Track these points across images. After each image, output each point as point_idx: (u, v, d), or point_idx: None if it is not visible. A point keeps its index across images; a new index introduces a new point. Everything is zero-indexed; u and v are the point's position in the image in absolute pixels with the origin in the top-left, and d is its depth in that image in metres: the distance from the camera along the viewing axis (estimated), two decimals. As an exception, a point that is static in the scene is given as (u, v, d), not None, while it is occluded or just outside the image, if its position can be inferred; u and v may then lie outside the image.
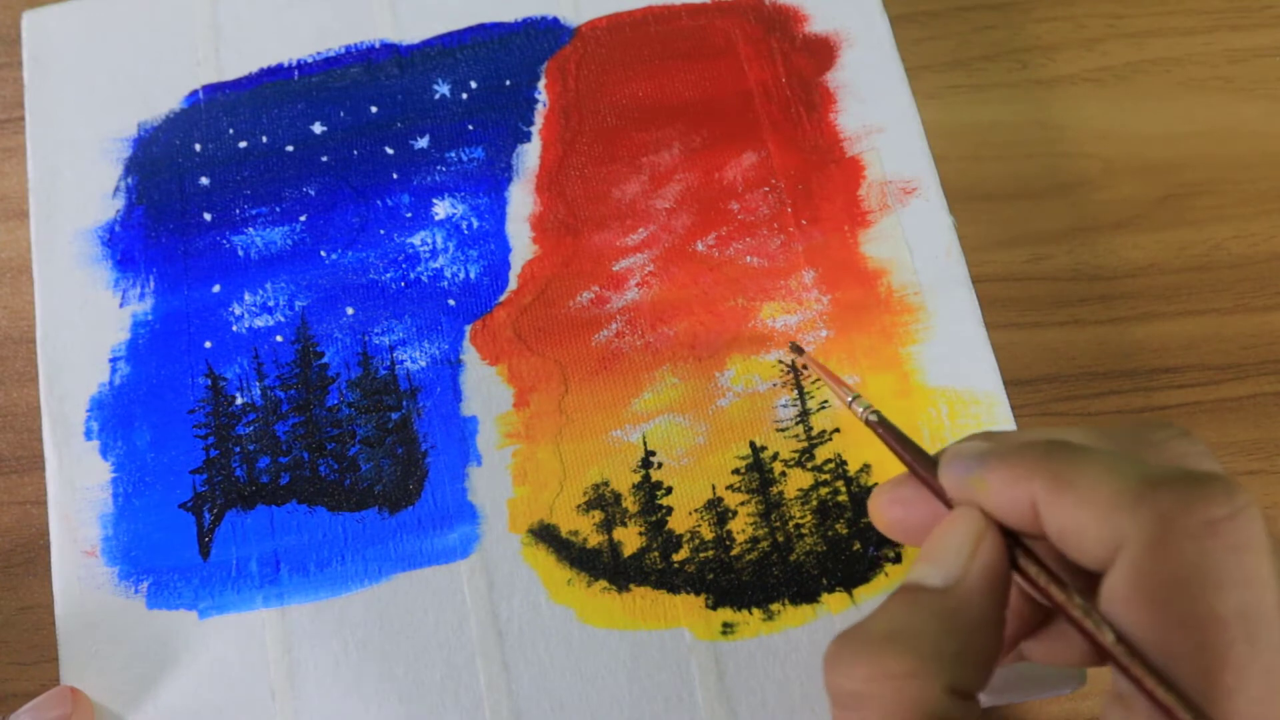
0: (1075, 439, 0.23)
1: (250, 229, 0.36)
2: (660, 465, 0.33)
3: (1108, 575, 0.19)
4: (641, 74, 0.38)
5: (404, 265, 0.35)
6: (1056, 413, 0.39)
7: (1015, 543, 0.22)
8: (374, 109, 0.37)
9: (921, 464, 0.25)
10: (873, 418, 0.27)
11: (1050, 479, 0.20)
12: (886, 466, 0.33)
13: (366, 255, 0.36)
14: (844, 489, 0.32)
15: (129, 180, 0.37)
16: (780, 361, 0.34)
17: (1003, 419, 0.33)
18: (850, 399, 0.28)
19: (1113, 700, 0.20)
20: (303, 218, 0.36)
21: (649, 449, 0.33)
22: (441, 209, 0.36)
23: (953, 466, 0.23)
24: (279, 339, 0.35)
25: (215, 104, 0.38)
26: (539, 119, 0.37)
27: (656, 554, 0.32)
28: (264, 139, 0.37)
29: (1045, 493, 0.20)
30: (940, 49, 0.44)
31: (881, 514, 0.25)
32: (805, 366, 0.33)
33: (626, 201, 0.36)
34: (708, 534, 0.32)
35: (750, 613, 0.31)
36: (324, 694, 0.31)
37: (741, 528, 0.32)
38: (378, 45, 0.38)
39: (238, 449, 0.34)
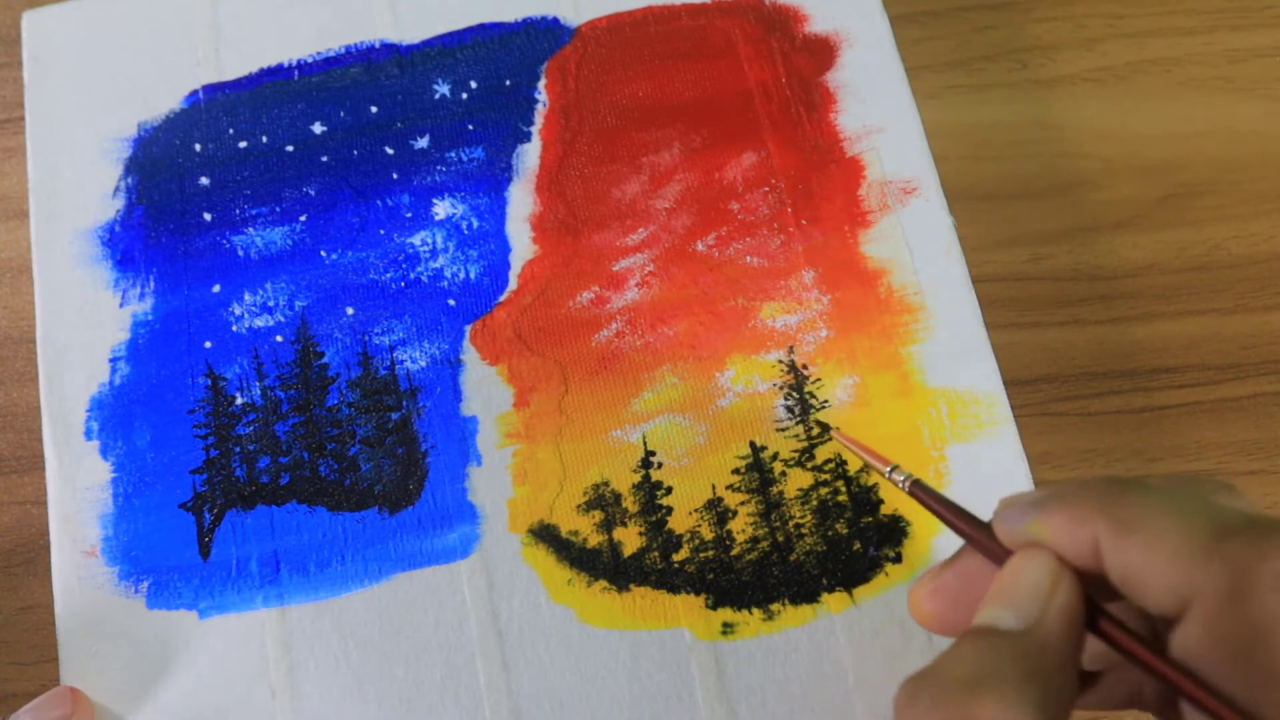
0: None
1: (250, 229, 0.36)
2: (660, 465, 0.33)
3: (1181, 625, 0.19)
4: (641, 74, 0.38)
5: (404, 265, 0.35)
6: (1056, 413, 0.39)
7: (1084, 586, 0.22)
8: (374, 109, 0.37)
9: (969, 524, 0.24)
10: (913, 486, 0.27)
11: (1114, 521, 0.20)
12: (886, 466, 0.33)
13: (366, 255, 0.36)
14: (844, 489, 0.32)
15: (129, 180, 0.37)
16: (780, 362, 0.34)
17: (1003, 419, 0.33)
18: (889, 470, 0.28)
19: None
20: (303, 218, 0.36)
21: (649, 449, 0.33)
22: (441, 209, 0.36)
23: (1007, 516, 0.22)
24: (279, 339, 0.35)
25: (215, 104, 0.38)
26: (539, 119, 0.37)
27: (656, 554, 0.32)
28: (264, 139, 0.37)
29: (1109, 536, 0.20)
30: (940, 49, 0.44)
31: (922, 607, 0.24)
32: (835, 440, 0.32)
33: (626, 201, 0.36)
34: (708, 534, 0.32)
35: (750, 613, 0.31)
36: (324, 694, 0.31)
37: (741, 528, 0.32)
38: (378, 45, 0.38)
39: (238, 449, 0.34)
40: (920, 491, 0.26)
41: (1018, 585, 0.21)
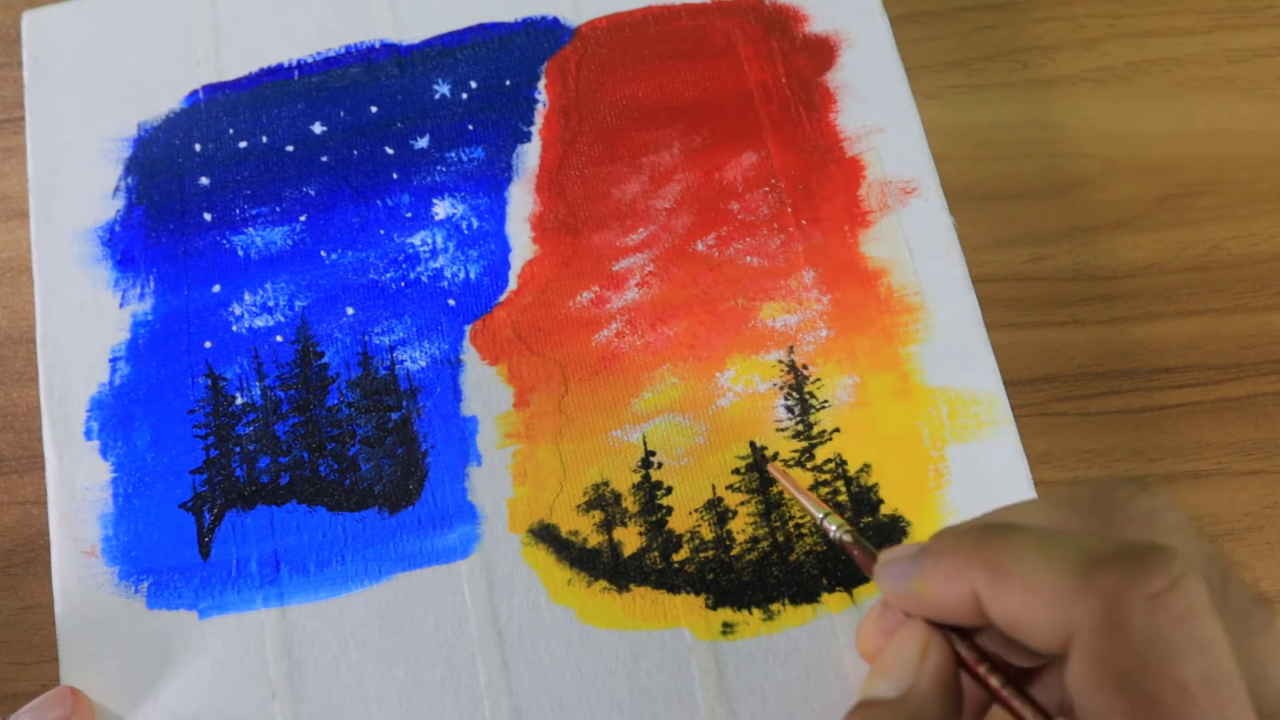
0: (1030, 510, 0.23)
1: (250, 229, 0.36)
2: (660, 465, 0.33)
3: (1068, 662, 0.19)
4: (641, 74, 0.38)
5: (404, 265, 0.35)
6: (1056, 413, 0.39)
7: (960, 637, 0.23)
8: (374, 109, 0.37)
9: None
10: (846, 538, 0.29)
11: (988, 571, 0.20)
12: (886, 467, 0.33)
13: (366, 255, 0.36)
14: (844, 489, 0.32)
15: (129, 180, 0.37)
16: (780, 362, 0.34)
17: (1002, 419, 0.33)
18: (821, 516, 0.30)
19: None
20: (303, 218, 0.36)
21: (649, 449, 0.33)
22: (441, 209, 0.36)
23: (888, 574, 0.23)
24: (279, 339, 0.35)
25: (215, 104, 0.38)
26: (539, 119, 0.37)
27: (656, 554, 0.32)
28: (264, 139, 0.37)
29: (985, 586, 0.20)
30: (940, 49, 0.44)
31: (866, 648, 0.26)
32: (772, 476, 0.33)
33: (626, 201, 0.36)
34: (708, 534, 0.32)
35: (750, 613, 0.31)
36: (324, 694, 0.31)
37: (741, 528, 0.32)
38: (378, 45, 0.38)
39: (238, 449, 0.34)
40: (850, 545, 0.28)
41: (892, 657, 0.23)
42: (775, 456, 0.33)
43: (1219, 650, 0.18)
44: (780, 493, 0.32)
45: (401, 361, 0.34)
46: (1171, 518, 0.21)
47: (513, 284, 0.35)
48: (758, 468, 0.33)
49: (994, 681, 0.22)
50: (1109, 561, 0.19)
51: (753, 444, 0.33)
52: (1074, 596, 0.19)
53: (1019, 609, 0.20)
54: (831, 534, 0.29)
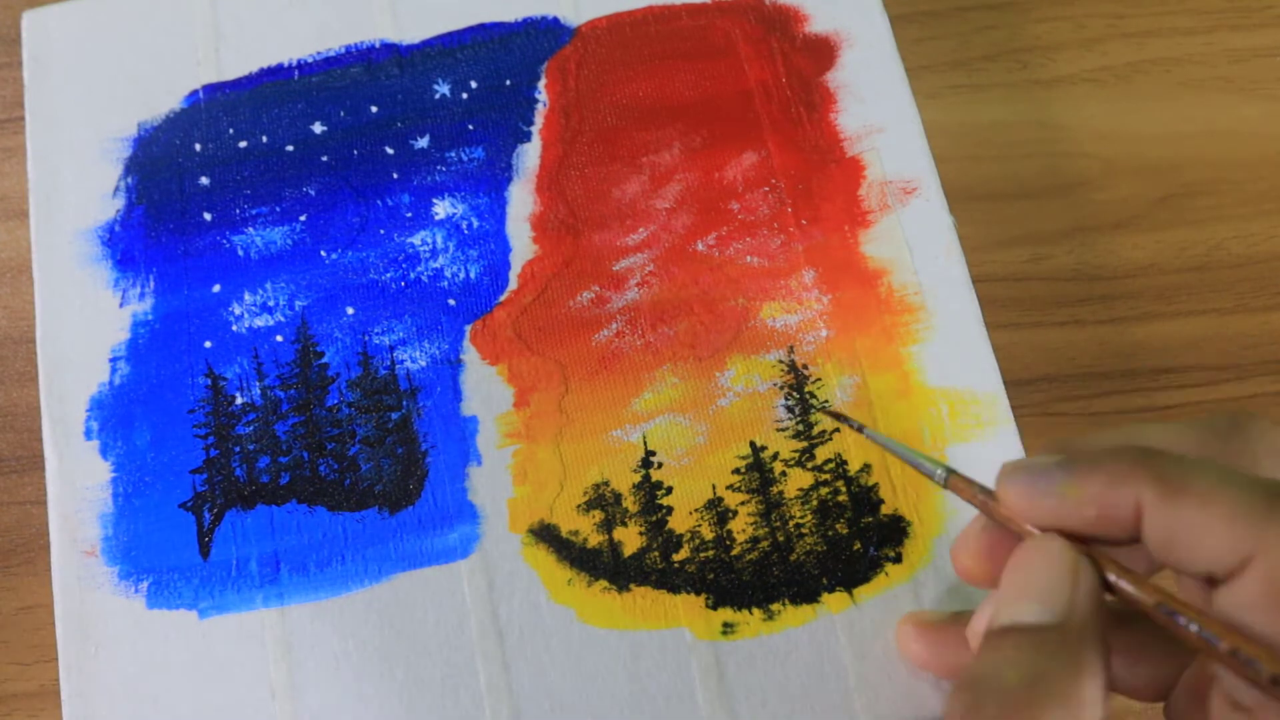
0: (1163, 433, 0.22)
1: (250, 229, 0.36)
2: (660, 465, 0.33)
3: (1234, 582, 0.19)
4: (642, 74, 0.38)
5: (404, 265, 0.35)
6: (1057, 413, 0.39)
7: (1108, 557, 0.21)
8: (374, 109, 0.37)
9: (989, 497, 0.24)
10: (948, 476, 0.26)
11: (1160, 484, 0.20)
12: (887, 467, 0.33)
13: (366, 255, 0.36)
14: (844, 489, 0.32)
15: (129, 180, 0.37)
16: (780, 362, 0.34)
17: (1003, 419, 0.33)
18: (937, 471, 0.27)
19: (1230, 712, 0.20)
20: (303, 218, 0.36)
21: (649, 449, 0.33)
22: (441, 209, 0.36)
23: (1024, 480, 0.22)
24: (279, 339, 0.35)
25: (215, 104, 0.38)
26: (539, 119, 0.37)
27: (657, 554, 0.32)
28: (264, 139, 0.37)
29: (1155, 498, 0.20)
30: (940, 49, 0.44)
31: (970, 562, 0.24)
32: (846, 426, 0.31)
33: (627, 201, 0.36)
34: (708, 534, 0.32)
35: (750, 612, 0.31)
36: (324, 694, 0.31)
37: (742, 527, 0.32)
38: (378, 45, 0.38)
39: (238, 449, 0.34)
40: (958, 482, 0.25)
41: (1039, 576, 0.21)
42: (804, 456, 0.33)
43: None
44: (780, 492, 0.32)
45: (401, 361, 0.34)
46: None
47: (513, 284, 0.35)
48: (840, 420, 0.31)
49: (1150, 591, 0.20)
50: None
51: (826, 406, 0.32)
52: (1260, 520, 0.19)
53: (1193, 525, 0.19)
54: (940, 481, 0.26)
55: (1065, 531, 0.21)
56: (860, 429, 0.29)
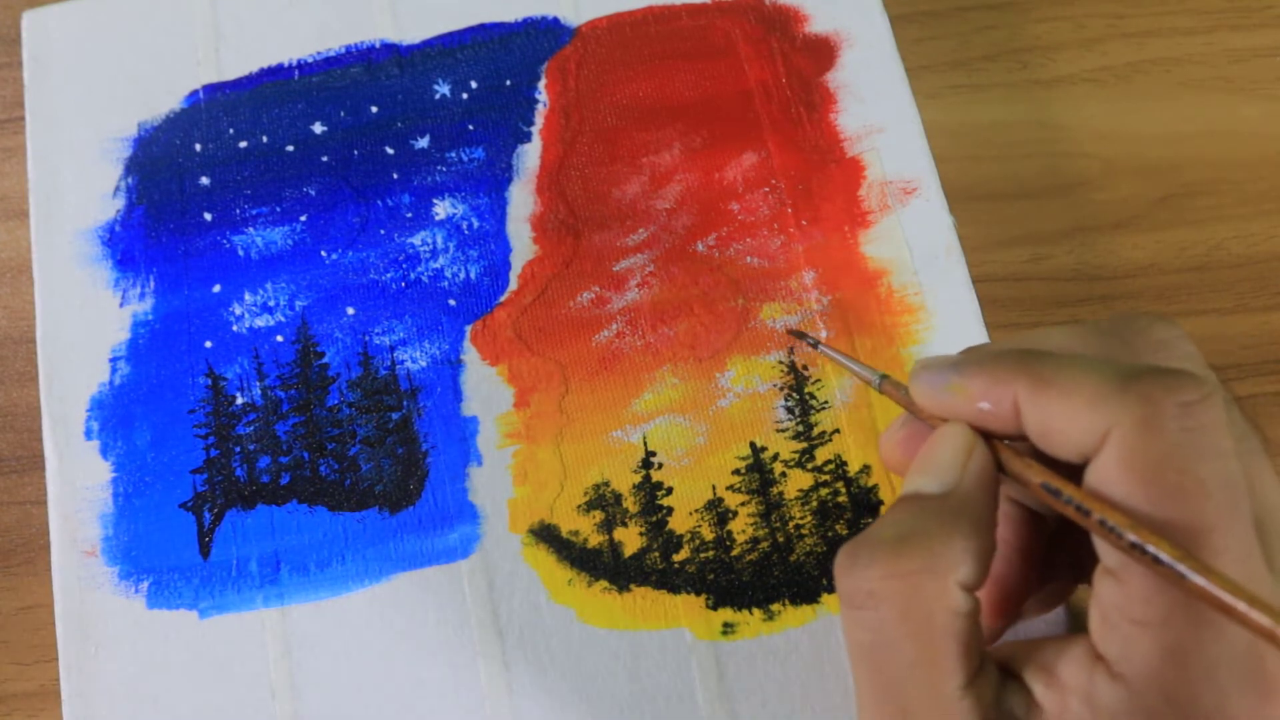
0: (1054, 339, 0.24)
1: (250, 229, 0.36)
2: (660, 465, 0.33)
3: (1096, 458, 0.21)
4: (642, 74, 0.38)
5: (404, 265, 0.35)
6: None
7: (1002, 444, 0.24)
8: (374, 109, 0.37)
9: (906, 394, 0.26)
10: (881, 382, 0.28)
11: (1031, 379, 0.22)
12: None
13: (367, 255, 0.36)
14: (844, 490, 0.32)
15: (129, 180, 0.37)
16: (780, 362, 0.34)
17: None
18: (873, 376, 0.28)
19: (1102, 576, 0.21)
20: (303, 218, 0.36)
21: (649, 449, 0.33)
22: (442, 209, 0.36)
23: (925, 377, 0.24)
24: (279, 339, 0.35)
25: (215, 104, 0.38)
26: (539, 119, 0.37)
27: (657, 554, 0.32)
28: (264, 139, 0.37)
29: (1028, 392, 0.22)
30: (940, 49, 0.44)
31: (890, 456, 0.27)
32: (811, 346, 0.32)
33: (627, 201, 0.36)
34: (708, 534, 0.32)
35: (750, 613, 0.31)
36: (324, 694, 0.31)
37: (742, 528, 0.32)
38: (378, 45, 0.38)
39: (238, 449, 0.34)
40: (888, 386, 0.28)
41: (937, 455, 0.23)
42: (804, 457, 0.33)
43: (1233, 459, 0.20)
44: (780, 493, 0.32)
45: (402, 361, 0.34)
46: (1186, 347, 0.24)
47: (513, 284, 0.35)
48: (800, 337, 0.33)
49: (1038, 468, 0.22)
50: (1147, 374, 0.21)
51: (790, 329, 0.33)
52: (1115, 397, 0.21)
53: (1058, 413, 0.21)
54: (874, 385, 0.28)
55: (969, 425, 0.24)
56: (815, 344, 0.31)
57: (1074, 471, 0.22)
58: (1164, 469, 0.20)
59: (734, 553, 0.32)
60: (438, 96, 0.38)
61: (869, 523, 0.32)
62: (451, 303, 0.35)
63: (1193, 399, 0.20)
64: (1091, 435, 0.21)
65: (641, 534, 0.32)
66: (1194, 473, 0.20)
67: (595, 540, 0.32)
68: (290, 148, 0.37)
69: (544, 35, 0.38)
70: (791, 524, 0.32)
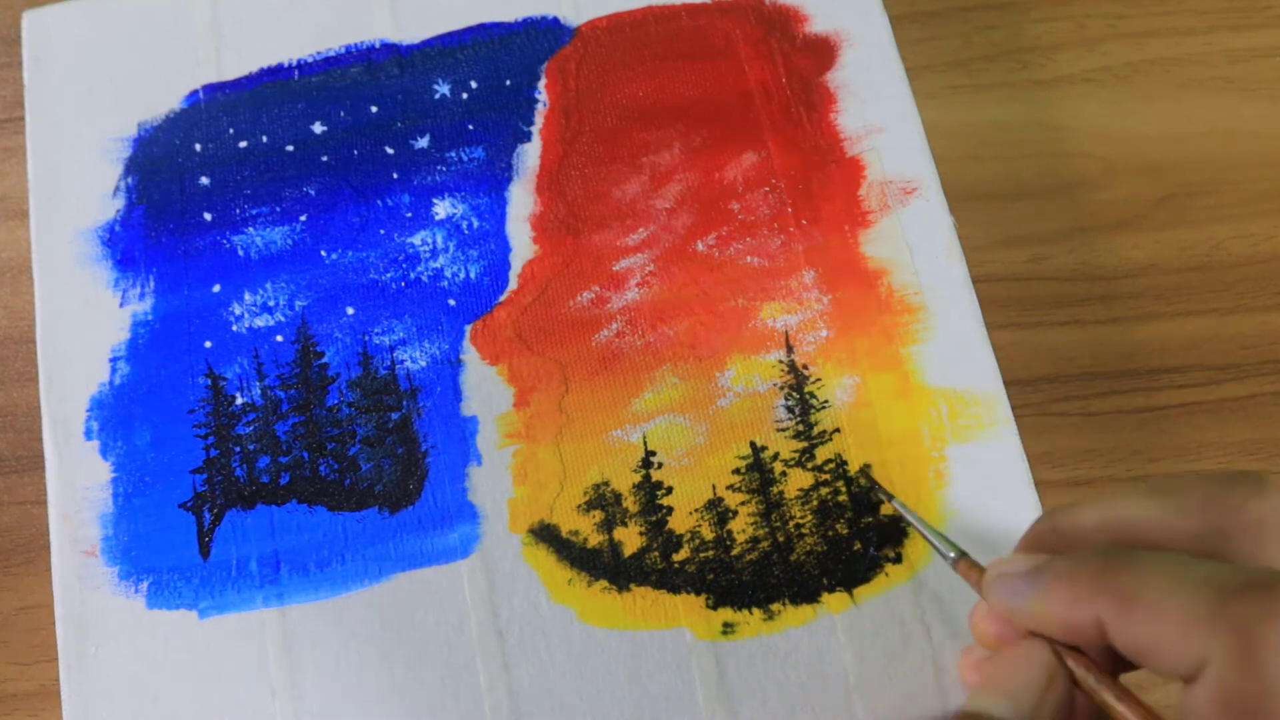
0: (1143, 510, 0.22)
1: (250, 229, 0.36)
2: (660, 465, 0.33)
3: (1192, 690, 0.19)
4: (642, 74, 0.38)
5: (404, 265, 0.35)
6: (1056, 413, 0.39)
7: (1087, 663, 0.22)
8: (374, 109, 0.37)
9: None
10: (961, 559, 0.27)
11: (1116, 598, 0.20)
12: (887, 467, 0.33)
13: (367, 255, 0.36)
14: (844, 489, 0.32)
15: (129, 180, 0.37)
16: (780, 362, 0.34)
17: (1003, 419, 0.33)
18: (952, 556, 0.28)
19: None
20: (303, 218, 0.36)
21: (649, 449, 0.33)
22: (442, 209, 0.36)
23: (1001, 589, 0.23)
24: (279, 339, 0.35)
25: (215, 104, 0.38)
26: (539, 119, 0.37)
27: (657, 554, 0.32)
28: (264, 139, 0.37)
29: (1112, 612, 0.20)
30: (940, 49, 0.44)
31: (983, 632, 0.25)
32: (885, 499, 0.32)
33: (627, 201, 0.36)
34: (708, 534, 0.32)
35: (751, 612, 0.31)
36: (324, 694, 0.31)
37: (742, 528, 0.32)
38: (378, 45, 0.38)
39: (238, 449, 0.34)
40: (967, 568, 0.26)
41: (1014, 677, 0.22)
42: (804, 456, 0.33)
43: None
44: (780, 493, 0.32)
45: (401, 361, 0.34)
46: None
47: (513, 284, 0.35)
48: (872, 490, 0.32)
49: (1121, 707, 0.21)
50: (1243, 592, 0.19)
51: (866, 472, 0.32)
52: (1208, 624, 0.19)
53: (1148, 636, 0.20)
54: (949, 562, 0.28)
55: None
56: (890, 499, 0.31)
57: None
58: (1264, 709, 0.18)
59: (734, 552, 0.32)
60: (438, 96, 0.38)
61: (870, 522, 0.32)
62: (451, 302, 0.35)
63: None
64: (1186, 662, 0.19)
65: (641, 534, 0.32)
66: None
67: (595, 540, 0.32)
68: (290, 148, 0.37)
69: (544, 35, 0.38)
70: (792, 523, 0.32)
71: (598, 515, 0.32)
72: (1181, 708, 0.20)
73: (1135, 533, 0.22)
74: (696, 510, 0.32)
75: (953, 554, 0.27)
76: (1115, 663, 0.23)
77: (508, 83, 0.38)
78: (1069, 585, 0.21)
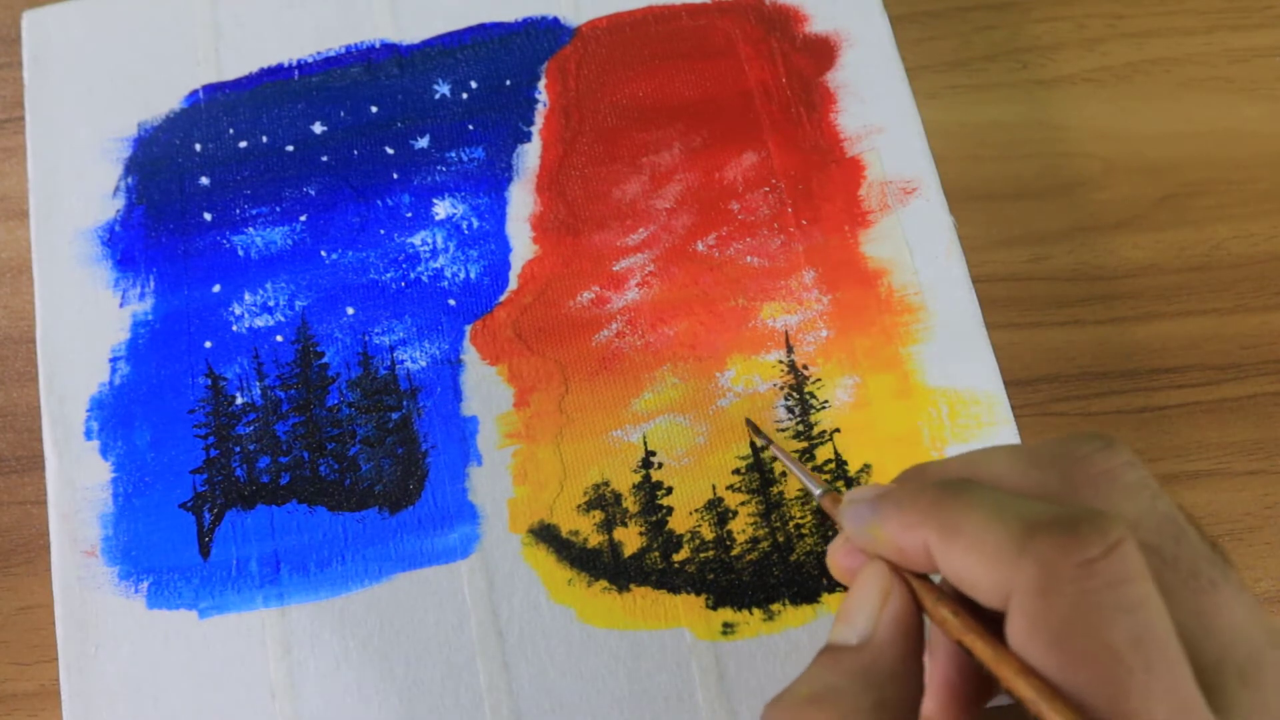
0: (995, 460, 0.23)
1: (250, 229, 0.36)
2: (660, 465, 0.33)
3: (1007, 620, 0.20)
4: (642, 74, 0.38)
5: (404, 265, 0.35)
6: (1056, 413, 0.39)
7: (921, 579, 0.23)
8: (374, 109, 0.37)
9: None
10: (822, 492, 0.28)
11: (939, 527, 0.21)
12: (886, 467, 0.33)
13: (367, 255, 0.36)
14: (844, 489, 0.32)
15: (129, 180, 0.37)
16: (780, 362, 0.34)
17: (1003, 419, 0.33)
18: (816, 489, 0.28)
19: None
20: (303, 218, 0.36)
21: (649, 449, 0.33)
22: (442, 209, 0.36)
23: (849, 514, 0.24)
24: (279, 339, 0.35)
25: (215, 104, 0.38)
26: (539, 119, 0.37)
27: (657, 554, 0.32)
28: (264, 139, 0.37)
29: (936, 540, 0.21)
30: (940, 49, 0.44)
31: (836, 565, 0.26)
32: (764, 445, 0.33)
33: (627, 201, 0.36)
34: (708, 534, 0.32)
35: (751, 613, 0.31)
36: (324, 694, 0.31)
37: (742, 528, 0.32)
38: (378, 45, 0.38)
39: (238, 449, 0.34)
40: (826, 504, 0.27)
41: (855, 603, 0.23)
42: (804, 456, 0.33)
43: (1149, 613, 0.19)
44: (781, 493, 0.32)
45: (402, 361, 0.34)
46: (1131, 476, 0.22)
47: (513, 284, 0.35)
48: (756, 436, 0.33)
49: (955, 622, 0.22)
50: (1045, 528, 0.20)
51: (747, 420, 0.33)
52: (1013, 559, 0.20)
53: (963, 567, 0.21)
54: (816, 497, 0.28)
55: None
56: (768, 442, 0.31)
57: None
58: (1067, 635, 0.19)
59: (734, 552, 0.32)
60: (438, 96, 0.38)
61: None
62: (451, 303, 0.35)
63: (1094, 554, 0.19)
64: (998, 593, 0.20)
65: (641, 534, 0.32)
66: (1099, 636, 0.19)
67: (595, 540, 0.32)
68: (290, 148, 0.37)
69: (544, 35, 0.38)
70: (791, 524, 0.32)
71: (598, 515, 0.33)
72: (1007, 639, 0.20)
73: (991, 482, 0.23)
74: (696, 510, 0.32)
75: (819, 490, 0.28)
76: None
77: (508, 83, 0.38)
78: (902, 512, 0.22)
